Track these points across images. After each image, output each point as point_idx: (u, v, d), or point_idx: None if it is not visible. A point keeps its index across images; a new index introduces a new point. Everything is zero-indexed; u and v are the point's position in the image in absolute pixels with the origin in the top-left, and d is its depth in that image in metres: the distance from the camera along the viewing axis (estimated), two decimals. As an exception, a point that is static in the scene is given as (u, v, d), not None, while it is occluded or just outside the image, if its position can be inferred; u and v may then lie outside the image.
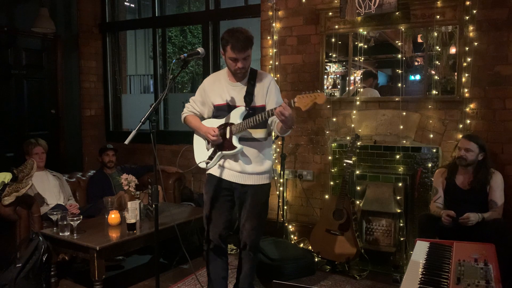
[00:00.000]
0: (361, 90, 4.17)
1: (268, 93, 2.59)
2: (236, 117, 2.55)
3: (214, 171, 2.68)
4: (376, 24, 3.86)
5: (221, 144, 2.58)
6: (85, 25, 5.53)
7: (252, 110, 2.55)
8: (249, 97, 2.56)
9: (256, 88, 2.58)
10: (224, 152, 2.60)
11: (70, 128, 5.43)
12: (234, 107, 2.58)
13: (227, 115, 2.60)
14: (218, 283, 2.77)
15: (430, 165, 3.67)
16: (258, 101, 2.58)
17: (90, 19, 5.59)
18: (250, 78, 2.59)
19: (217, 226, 2.70)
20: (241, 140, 2.57)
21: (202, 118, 2.75)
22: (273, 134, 2.68)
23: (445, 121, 3.66)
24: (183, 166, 4.56)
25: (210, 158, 2.64)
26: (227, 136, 2.56)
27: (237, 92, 2.59)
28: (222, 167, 2.65)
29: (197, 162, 2.71)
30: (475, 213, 2.95)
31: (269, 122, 2.59)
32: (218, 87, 2.64)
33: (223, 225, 2.70)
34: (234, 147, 2.54)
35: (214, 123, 2.65)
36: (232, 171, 2.62)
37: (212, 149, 2.64)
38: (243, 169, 2.60)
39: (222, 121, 2.63)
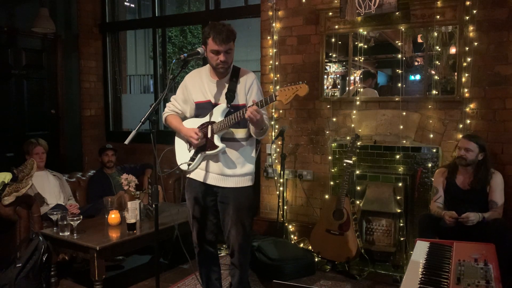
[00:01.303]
0: (361, 90, 4.17)
1: (250, 92, 2.50)
2: (217, 115, 2.46)
3: (194, 175, 2.58)
4: (376, 24, 3.86)
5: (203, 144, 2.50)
6: (85, 25, 5.54)
7: (233, 109, 2.45)
8: (230, 95, 2.46)
9: (239, 86, 2.49)
10: (206, 152, 2.49)
11: (70, 128, 5.44)
12: (215, 105, 2.49)
13: (208, 113, 2.51)
14: (212, 284, 2.75)
15: (430, 165, 3.67)
16: (240, 99, 2.49)
17: (90, 19, 5.59)
18: (232, 75, 2.50)
19: (202, 232, 2.63)
20: (222, 140, 2.48)
21: (185, 118, 2.65)
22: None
23: (445, 121, 3.66)
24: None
25: (192, 159, 2.54)
26: (209, 135, 2.47)
27: (219, 89, 2.50)
28: (201, 170, 2.55)
29: (179, 164, 2.61)
30: (475, 212, 2.95)
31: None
32: (200, 83, 2.55)
33: (208, 230, 2.63)
34: (216, 147, 2.44)
35: (195, 123, 2.55)
36: (211, 173, 2.53)
37: (194, 150, 2.55)
38: (222, 171, 2.50)
39: (203, 120, 2.53)
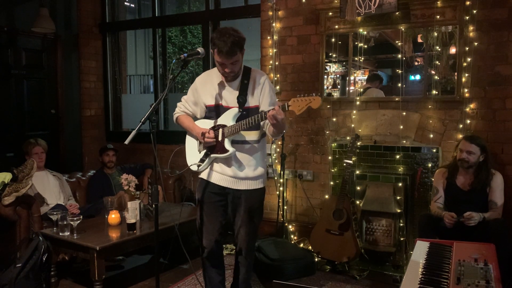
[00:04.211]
0: (361, 90, 4.17)
1: (262, 93, 2.50)
2: (228, 119, 2.47)
3: (206, 175, 2.59)
4: (376, 24, 3.86)
5: (213, 146, 2.49)
6: (85, 25, 5.54)
7: (245, 112, 2.47)
8: (242, 98, 2.46)
9: (250, 88, 2.49)
10: (215, 155, 2.50)
11: (70, 128, 5.43)
12: (227, 108, 2.50)
13: (220, 116, 2.51)
14: (215, 287, 2.74)
15: (430, 165, 3.67)
16: (251, 101, 2.49)
17: (90, 19, 5.59)
18: (243, 78, 2.49)
19: (211, 233, 2.62)
20: (233, 143, 2.48)
21: (195, 118, 2.66)
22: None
23: (445, 121, 3.66)
24: (181, 167, 4.56)
25: (202, 161, 2.55)
26: (219, 138, 2.47)
27: (230, 92, 2.50)
28: (214, 171, 2.56)
29: (189, 165, 2.61)
30: (477, 212, 2.95)
31: (261, 123, 2.49)
32: (210, 86, 2.55)
33: (218, 231, 2.63)
34: (226, 151, 2.45)
35: (207, 124, 2.55)
36: (224, 175, 2.54)
37: (204, 151, 2.55)
38: (235, 173, 2.52)
39: (214, 122, 2.54)
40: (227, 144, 2.46)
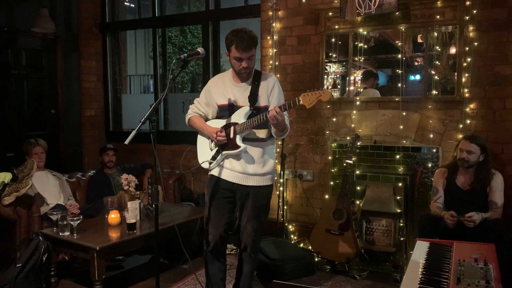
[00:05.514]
0: (361, 90, 4.17)
1: (271, 94, 2.61)
2: (240, 116, 2.56)
3: (216, 172, 2.68)
4: (376, 24, 3.86)
5: (224, 144, 2.58)
6: (85, 25, 5.54)
7: (255, 110, 2.56)
8: (253, 97, 2.57)
9: (260, 89, 2.59)
10: (227, 152, 2.59)
11: (70, 128, 5.43)
12: (238, 107, 2.59)
13: (231, 114, 2.61)
14: (216, 284, 2.77)
15: (430, 165, 3.67)
16: (262, 101, 2.59)
17: (90, 19, 5.59)
18: (254, 79, 2.60)
19: (217, 228, 2.68)
20: (244, 140, 2.57)
21: (207, 119, 2.75)
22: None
23: (445, 121, 3.66)
24: (184, 167, 4.56)
25: (214, 158, 2.64)
26: (231, 135, 2.57)
27: (241, 92, 2.60)
28: (223, 167, 2.64)
29: (200, 163, 2.70)
30: (478, 213, 2.95)
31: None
32: (222, 87, 2.65)
33: (223, 227, 2.68)
34: (238, 147, 2.54)
35: (218, 124, 2.65)
36: (233, 171, 2.62)
37: (216, 149, 2.64)
38: (244, 169, 2.60)
39: (226, 121, 2.64)
40: (238, 141, 2.55)
